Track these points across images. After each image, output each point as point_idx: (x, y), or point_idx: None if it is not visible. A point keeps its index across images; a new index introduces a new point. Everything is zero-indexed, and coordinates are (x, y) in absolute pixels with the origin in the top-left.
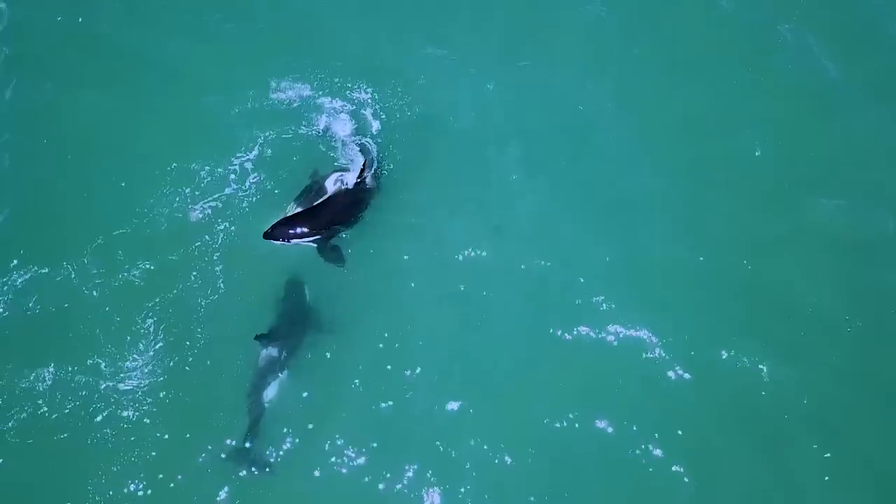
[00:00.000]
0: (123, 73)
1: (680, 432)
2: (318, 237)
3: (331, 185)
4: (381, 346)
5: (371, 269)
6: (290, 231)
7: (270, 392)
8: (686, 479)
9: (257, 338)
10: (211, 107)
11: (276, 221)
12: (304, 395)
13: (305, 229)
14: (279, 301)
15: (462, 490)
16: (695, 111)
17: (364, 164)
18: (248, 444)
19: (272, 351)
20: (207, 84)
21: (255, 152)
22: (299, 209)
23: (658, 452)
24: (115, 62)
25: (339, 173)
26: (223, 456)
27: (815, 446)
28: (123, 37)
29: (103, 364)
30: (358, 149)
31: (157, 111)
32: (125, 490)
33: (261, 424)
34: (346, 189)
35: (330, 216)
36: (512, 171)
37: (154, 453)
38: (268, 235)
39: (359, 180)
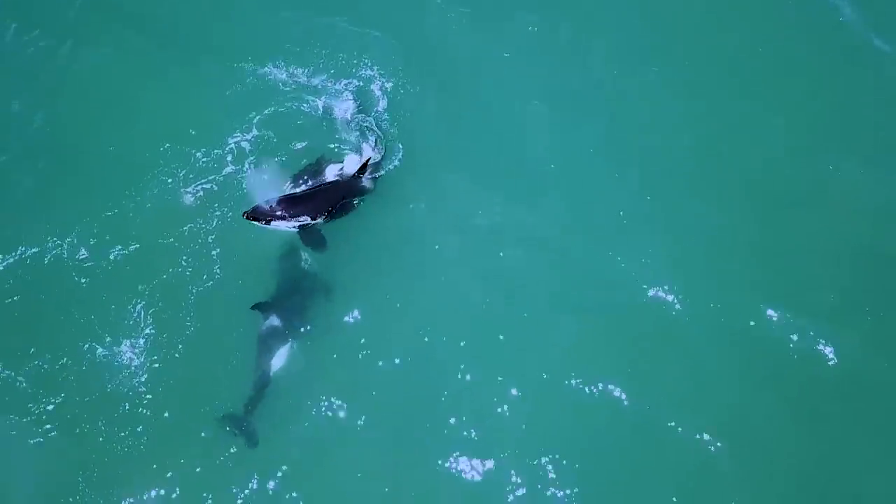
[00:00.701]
0: (118, 45)
1: (707, 398)
2: (300, 222)
3: (331, 173)
4: (393, 311)
5: (383, 235)
6: (272, 213)
7: (277, 363)
8: (714, 446)
9: (255, 307)
10: (209, 84)
11: (258, 203)
12: (314, 363)
13: (287, 213)
14: (279, 270)
15: (484, 456)
16: (721, 73)
17: (367, 161)
18: (249, 416)
19: (274, 321)
20: (206, 59)
21: (254, 132)
22: (294, 191)
23: (684, 419)
24: (116, 34)
25: (341, 163)
26: (227, 428)
27: (847, 413)
28: (125, 9)
29: (99, 350)
30: (360, 133)
31: (153, 90)
32: (117, 481)
33: (265, 395)
34: (341, 181)
35: (317, 205)
36: (527, 135)
37: (145, 439)
38: (248, 216)
39: (358, 175)
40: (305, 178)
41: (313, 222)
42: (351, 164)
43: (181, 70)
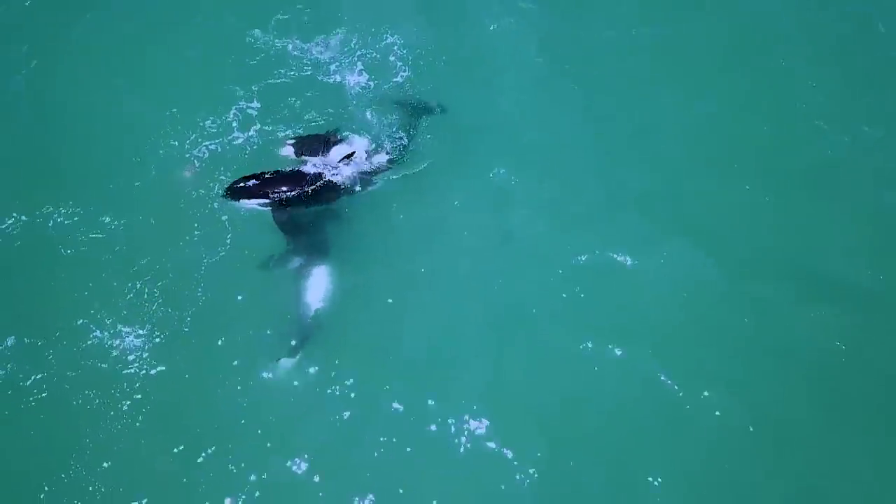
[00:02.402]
0: (123, 8)
1: (715, 366)
2: (274, 204)
3: (336, 154)
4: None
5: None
6: (251, 191)
7: (316, 301)
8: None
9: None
10: (215, 50)
11: (236, 179)
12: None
13: (263, 191)
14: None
15: (499, 417)
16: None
17: (350, 155)
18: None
19: (299, 261)
20: (212, 23)
21: (256, 103)
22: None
23: (695, 386)
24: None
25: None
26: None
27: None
28: None
29: (98, 324)
30: (372, 112)
31: (159, 53)
32: (112, 457)
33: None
34: (328, 172)
35: (289, 188)
36: (535, 105)
37: (143, 416)
38: (228, 195)
39: (334, 171)
40: (306, 150)
41: (286, 205)
42: (341, 152)
43: (187, 34)
